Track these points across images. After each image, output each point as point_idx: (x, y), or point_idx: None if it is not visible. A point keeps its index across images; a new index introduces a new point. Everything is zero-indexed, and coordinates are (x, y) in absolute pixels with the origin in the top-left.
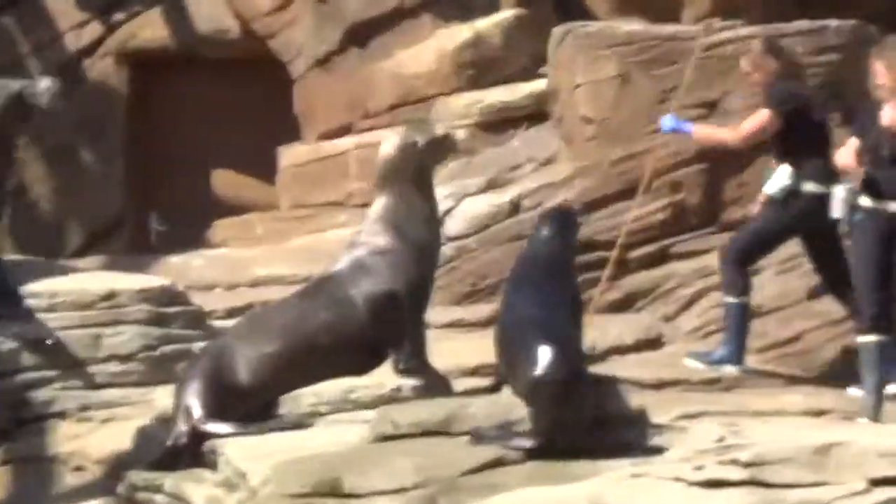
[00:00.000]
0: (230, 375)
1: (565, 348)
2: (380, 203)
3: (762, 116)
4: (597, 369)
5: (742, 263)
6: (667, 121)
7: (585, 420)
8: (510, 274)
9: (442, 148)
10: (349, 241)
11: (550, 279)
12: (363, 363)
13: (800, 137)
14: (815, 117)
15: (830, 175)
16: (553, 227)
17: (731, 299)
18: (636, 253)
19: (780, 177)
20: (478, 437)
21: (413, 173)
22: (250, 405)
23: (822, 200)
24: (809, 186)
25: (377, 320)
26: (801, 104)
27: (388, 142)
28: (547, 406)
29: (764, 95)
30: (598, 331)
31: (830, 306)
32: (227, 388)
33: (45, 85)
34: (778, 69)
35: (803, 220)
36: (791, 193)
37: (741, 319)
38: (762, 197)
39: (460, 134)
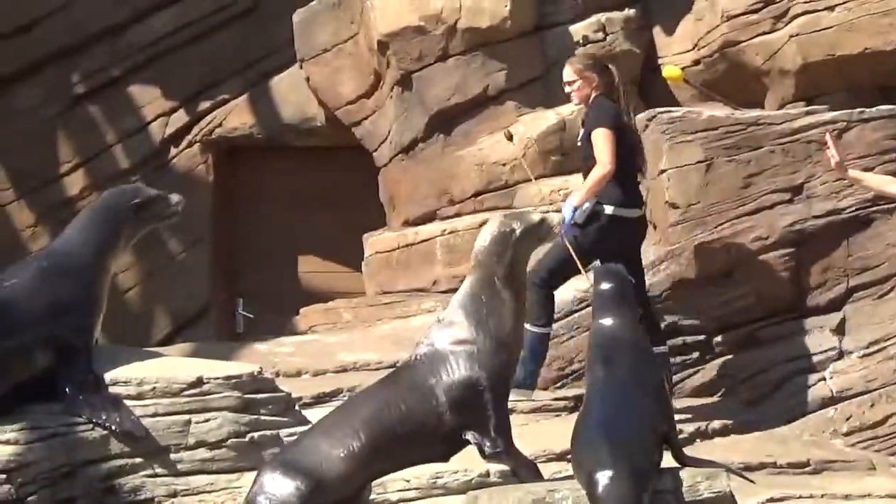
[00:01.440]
0: (315, 474)
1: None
2: (465, 289)
3: (606, 135)
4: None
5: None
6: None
7: None
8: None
9: (539, 234)
10: (430, 326)
11: (631, 370)
12: (446, 451)
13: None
14: (627, 139)
15: (637, 197)
16: (616, 308)
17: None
18: (722, 338)
19: (569, 203)
20: None
21: (506, 262)
22: (336, 498)
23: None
24: (610, 210)
25: (457, 409)
26: (621, 124)
27: (485, 229)
28: None
29: (591, 110)
30: (686, 415)
31: None
32: (311, 486)
33: (176, 199)
34: (599, 84)
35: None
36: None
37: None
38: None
39: (555, 218)
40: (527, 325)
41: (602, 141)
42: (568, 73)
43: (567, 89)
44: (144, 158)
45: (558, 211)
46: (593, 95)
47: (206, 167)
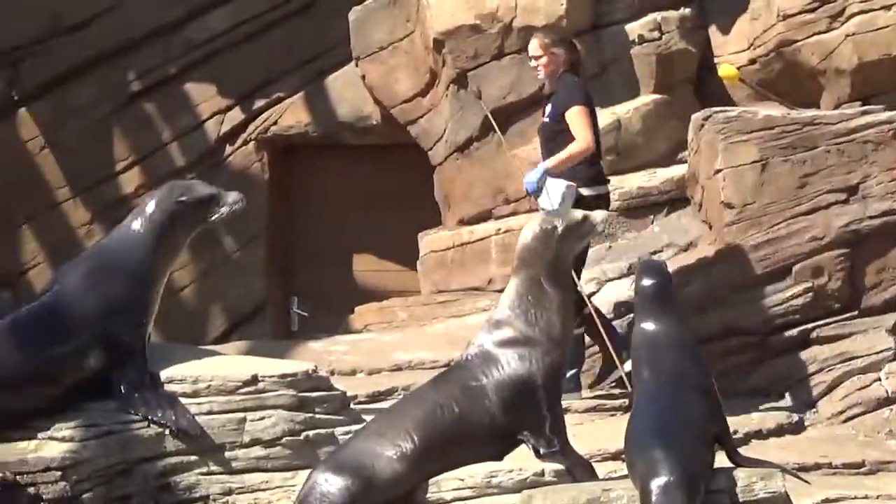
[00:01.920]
0: (367, 475)
1: (689, 499)
2: (511, 290)
3: (582, 113)
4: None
5: None
6: (529, 180)
7: None
8: (635, 364)
9: (581, 232)
10: (479, 328)
11: (680, 374)
12: (498, 450)
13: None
14: (594, 118)
15: (602, 177)
16: (660, 306)
17: None
18: (777, 338)
19: (557, 192)
20: None
21: (550, 260)
22: (388, 498)
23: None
24: (587, 191)
25: (510, 409)
26: (591, 101)
27: (527, 228)
28: None
29: (561, 88)
30: (741, 415)
31: None
32: (362, 487)
33: (234, 198)
34: (566, 60)
35: None
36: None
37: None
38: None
39: (598, 216)
40: None
41: (580, 119)
42: (534, 47)
43: (532, 63)
44: (200, 156)
45: (614, 211)
46: (560, 72)
47: (261, 165)
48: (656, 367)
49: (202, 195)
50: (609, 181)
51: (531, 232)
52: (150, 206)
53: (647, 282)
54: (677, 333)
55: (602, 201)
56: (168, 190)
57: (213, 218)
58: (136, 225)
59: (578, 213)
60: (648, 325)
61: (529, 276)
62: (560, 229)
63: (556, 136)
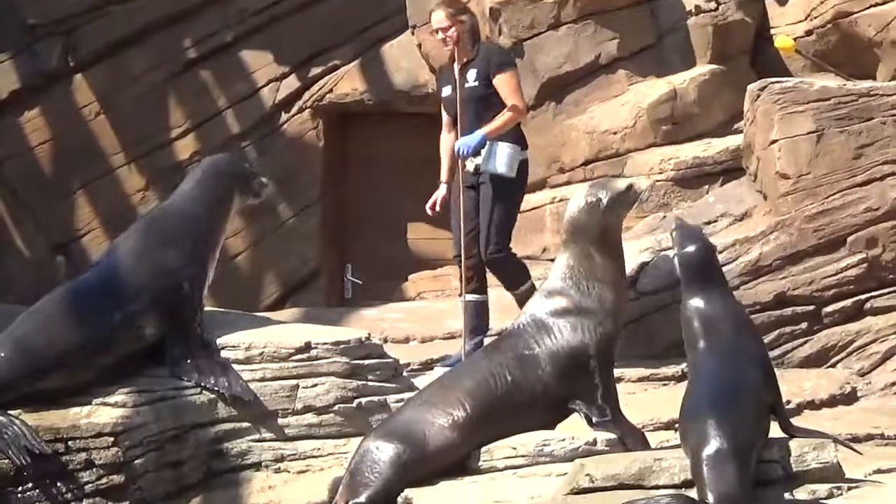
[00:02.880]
0: (419, 443)
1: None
2: (562, 262)
3: (514, 76)
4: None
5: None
6: (466, 144)
7: None
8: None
9: (627, 201)
10: (532, 298)
11: (735, 344)
12: (551, 419)
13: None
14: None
15: (525, 141)
16: (707, 275)
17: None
18: (831, 308)
19: (505, 154)
20: None
21: (597, 231)
22: (440, 466)
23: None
24: (525, 154)
25: (563, 377)
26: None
27: (572, 201)
28: None
29: (487, 54)
30: (793, 385)
31: None
32: (413, 455)
33: (266, 181)
34: (472, 28)
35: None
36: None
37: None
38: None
39: (643, 182)
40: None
41: (513, 83)
42: (440, 18)
43: (440, 35)
44: (255, 124)
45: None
46: (480, 42)
47: (316, 133)
48: (711, 338)
49: (245, 170)
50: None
51: (576, 205)
52: (210, 173)
53: (691, 248)
54: (730, 303)
55: (525, 166)
56: (229, 160)
57: (254, 197)
58: (190, 193)
59: (622, 182)
60: (699, 296)
61: (579, 248)
62: (605, 200)
63: (483, 101)
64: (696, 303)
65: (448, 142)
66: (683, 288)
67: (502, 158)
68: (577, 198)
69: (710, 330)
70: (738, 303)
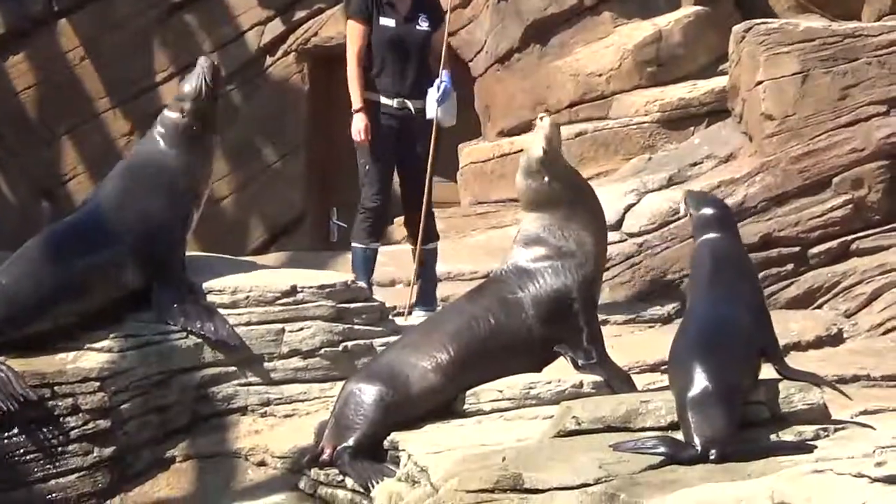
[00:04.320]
0: (402, 385)
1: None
2: (531, 216)
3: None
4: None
5: None
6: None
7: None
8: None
9: (531, 168)
10: (510, 248)
11: (731, 286)
12: (536, 363)
13: None
14: None
15: None
16: (720, 223)
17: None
18: (817, 249)
19: (454, 106)
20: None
21: (542, 197)
22: (424, 410)
23: None
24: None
25: (547, 321)
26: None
27: (518, 175)
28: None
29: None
30: (780, 327)
31: None
32: (397, 397)
33: (202, 62)
34: None
35: None
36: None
37: None
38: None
39: (536, 143)
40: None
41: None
42: None
43: None
44: (240, 67)
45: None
46: None
47: (301, 76)
48: (710, 284)
49: (194, 85)
50: None
51: (520, 175)
52: (167, 118)
53: (709, 210)
54: (734, 250)
55: None
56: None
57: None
58: (161, 136)
59: (524, 154)
60: (707, 241)
61: (542, 208)
62: (520, 175)
63: (427, 48)
64: (702, 248)
65: (359, 73)
66: (695, 236)
67: (453, 110)
68: (519, 171)
69: (712, 276)
70: (746, 255)
